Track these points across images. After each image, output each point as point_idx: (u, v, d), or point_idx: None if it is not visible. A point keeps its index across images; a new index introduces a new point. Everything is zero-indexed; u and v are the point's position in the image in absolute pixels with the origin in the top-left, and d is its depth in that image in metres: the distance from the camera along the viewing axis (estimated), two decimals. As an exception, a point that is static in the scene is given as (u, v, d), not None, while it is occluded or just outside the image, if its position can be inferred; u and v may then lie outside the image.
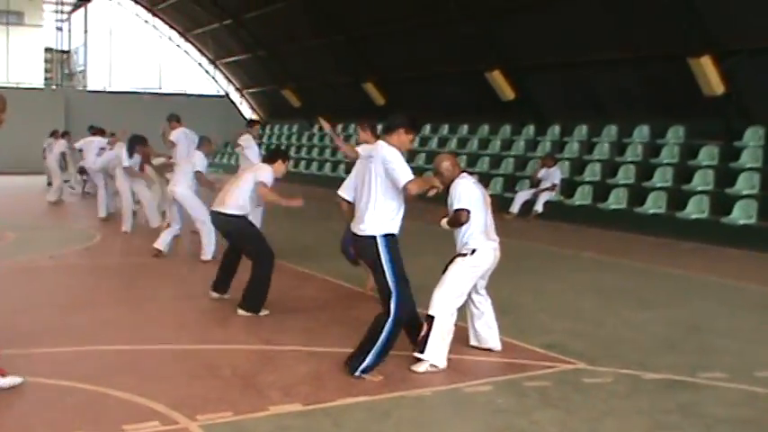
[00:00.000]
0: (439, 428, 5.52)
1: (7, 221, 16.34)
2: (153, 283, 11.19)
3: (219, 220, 9.26)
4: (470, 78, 23.64)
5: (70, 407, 5.81)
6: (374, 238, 6.44)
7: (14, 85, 35.31)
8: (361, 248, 6.65)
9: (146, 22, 39.34)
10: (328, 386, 6.29)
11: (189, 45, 39.90)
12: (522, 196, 19.51)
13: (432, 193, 7.13)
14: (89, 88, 39.12)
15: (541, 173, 19.45)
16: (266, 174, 9.12)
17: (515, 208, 19.30)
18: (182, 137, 14.46)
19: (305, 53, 31.04)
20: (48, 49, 39.98)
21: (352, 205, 7.86)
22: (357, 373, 6.39)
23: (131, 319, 8.70)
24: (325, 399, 5.98)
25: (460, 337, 7.45)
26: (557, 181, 19.19)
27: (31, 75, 38.02)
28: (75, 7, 39.32)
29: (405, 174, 6.50)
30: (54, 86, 38.77)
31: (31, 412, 5.81)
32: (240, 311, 8.72)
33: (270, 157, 9.57)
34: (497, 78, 22.41)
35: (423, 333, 6.70)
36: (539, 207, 19.06)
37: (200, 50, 39.78)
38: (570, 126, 21.68)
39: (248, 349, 7.46)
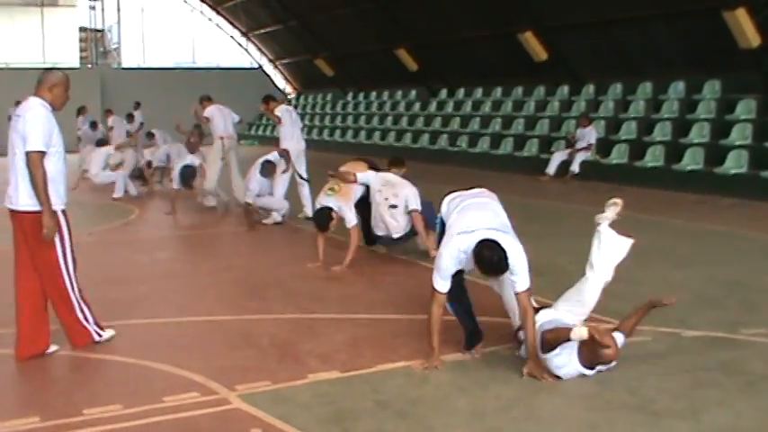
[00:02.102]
0: (478, 391, 5.49)
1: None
2: (191, 257, 11.31)
3: None
4: (503, 40, 23.42)
5: (111, 380, 5.90)
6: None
7: (51, 65, 35.58)
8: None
9: (177, -3, 39.44)
10: (366, 353, 6.30)
11: (221, 18, 39.84)
12: (557, 157, 19.37)
13: None
14: (124, 66, 39.32)
15: (577, 133, 19.31)
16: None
17: (551, 169, 19.18)
18: (215, 111, 14.56)
19: (336, 22, 30.91)
20: (82, 29, 40.21)
21: None
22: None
23: (170, 292, 8.79)
24: (364, 365, 5.99)
25: (491, 298, 7.45)
26: (592, 140, 19.01)
27: (67, 54, 38.26)
28: (108, -14, 39.51)
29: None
30: (89, 65, 38.99)
31: (73, 385, 5.92)
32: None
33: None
34: (530, 39, 22.18)
35: None
36: (575, 167, 18.91)
37: (232, 23, 39.74)
38: (604, 85, 21.43)
39: (285, 318, 7.49)
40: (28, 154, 6.04)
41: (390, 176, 9.80)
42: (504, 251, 5.69)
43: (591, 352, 5.61)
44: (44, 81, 6.33)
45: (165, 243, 12.46)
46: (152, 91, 31.92)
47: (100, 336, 6.57)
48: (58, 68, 6.76)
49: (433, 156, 24.44)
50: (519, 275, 5.82)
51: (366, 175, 9.69)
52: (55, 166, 6.18)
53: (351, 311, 7.60)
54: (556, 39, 22.08)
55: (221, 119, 14.52)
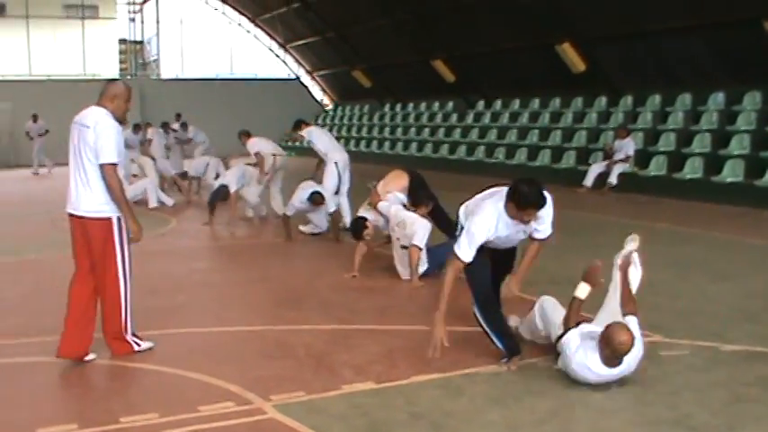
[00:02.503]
0: (513, 404, 5.47)
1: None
2: (228, 267, 11.38)
3: None
4: (540, 51, 23.35)
5: (147, 388, 5.95)
6: None
7: (91, 77, 36.02)
8: None
9: (215, 9, 39.71)
10: (401, 364, 6.30)
11: (258, 30, 40.14)
12: (595, 169, 19.25)
13: None
14: (162, 77, 39.69)
15: (615, 144, 19.20)
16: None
17: (589, 181, 19.07)
18: (314, 132, 14.28)
19: (373, 33, 30.99)
20: (122, 41, 40.68)
21: None
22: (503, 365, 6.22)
23: (206, 301, 8.85)
24: (398, 377, 5.99)
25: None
26: (630, 152, 18.87)
27: (107, 66, 38.68)
28: (147, -2, 39.97)
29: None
30: (129, 76, 39.37)
31: (110, 393, 5.98)
32: None
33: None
34: (567, 50, 22.10)
35: None
36: (612, 179, 18.77)
37: (269, 35, 40.00)
38: (643, 96, 21.28)
39: (321, 329, 7.51)
40: (103, 166, 6.26)
41: (407, 215, 9.66)
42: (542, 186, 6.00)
43: (609, 347, 5.58)
44: (107, 92, 6.56)
45: (201, 253, 12.57)
46: (190, 102, 32.15)
47: (139, 345, 6.66)
48: (118, 80, 6.92)
49: (470, 167, 24.40)
50: (545, 224, 6.27)
51: (386, 206, 9.82)
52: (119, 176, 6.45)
53: (387, 323, 7.60)
54: (594, 50, 21.99)
55: (329, 140, 14.15)
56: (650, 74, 20.91)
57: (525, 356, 6.34)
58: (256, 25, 39.93)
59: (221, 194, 14.13)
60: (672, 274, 9.74)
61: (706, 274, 9.74)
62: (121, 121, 6.61)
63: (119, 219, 6.43)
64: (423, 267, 9.41)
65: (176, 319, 7.91)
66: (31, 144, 29.22)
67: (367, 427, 5.09)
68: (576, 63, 22.25)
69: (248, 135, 15.30)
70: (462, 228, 6.35)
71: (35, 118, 29.29)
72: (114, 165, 6.29)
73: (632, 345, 5.59)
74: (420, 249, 9.30)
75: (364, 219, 9.77)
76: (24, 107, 33.13)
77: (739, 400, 5.51)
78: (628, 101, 21.75)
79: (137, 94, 35.16)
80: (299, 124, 14.28)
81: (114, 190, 6.29)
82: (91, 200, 6.34)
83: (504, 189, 6.13)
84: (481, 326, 6.32)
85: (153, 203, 16.84)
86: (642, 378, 5.89)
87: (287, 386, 5.78)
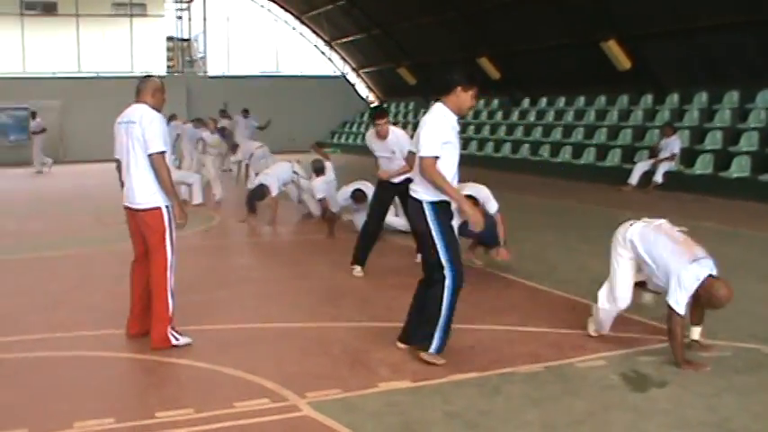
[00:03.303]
0: (549, 404, 5.43)
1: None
2: (269, 264, 11.41)
3: None
4: (585, 49, 23.17)
5: (184, 384, 6.00)
6: (421, 203, 6.22)
7: (139, 74, 36.34)
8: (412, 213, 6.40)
9: (261, 6, 39.88)
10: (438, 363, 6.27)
11: (304, 27, 40.29)
12: (640, 167, 19.06)
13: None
14: (209, 74, 39.98)
15: (660, 142, 19.00)
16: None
17: (634, 179, 18.88)
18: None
19: (418, 30, 30.97)
20: (169, 38, 41.02)
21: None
22: (430, 357, 6.18)
23: (246, 298, 8.89)
24: (435, 375, 5.97)
25: (571, 310, 7.36)
26: (676, 150, 18.65)
27: (154, 63, 39.01)
28: (195, -4, 40.26)
29: (425, 147, 6.14)
30: (176, 74, 39.72)
31: (147, 388, 6.03)
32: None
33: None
34: (613, 48, 21.93)
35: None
36: (658, 178, 18.57)
37: (315, 32, 40.13)
38: (689, 94, 21.03)
39: (358, 326, 7.51)
40: (151, 156, 6.61)
41: None
42: None
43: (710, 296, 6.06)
44: (146, 88, 6.89)
45: (244, 250, 12.65)
46: (237, 99, 32.26)
47: (177, 340, 6.74)
48: (152, 75, 7.16)
49: (515, 165, 24.31)
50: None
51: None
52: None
53: (424, 321, 7.58)
54: (640, 47, 21.77)
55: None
56: (697, 71, 20.66)
57: (564, 356, 6.30)
58: (302, 23, 40.07)
59: (259, 194, 14.15)
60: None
61: (752, 274, 9.56)
62: (159, 112, 6.89)
63: (167, 208, 6.73)
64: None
65: (216, 315, 7.97)
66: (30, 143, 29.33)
67: (401, 426, 5.08)
68: (622, 60, 22.06)
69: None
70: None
71: (34, 115, 29.35)
72: (163, 153, 6.62)
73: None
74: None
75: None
76: (73, 105, 33.62)
77: (781, 403, 5.42)
78: (674, 98, 21.51)
79: (184, 91, 35.65)
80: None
81: (164, 179, 6.64)
82: (143, 192, 6.70)
83: None
84: (438, 309, 6.19)
85: (198, 200, 16.93)
86: (682, 379, 5.82)
87: (323, 383, 5.79)
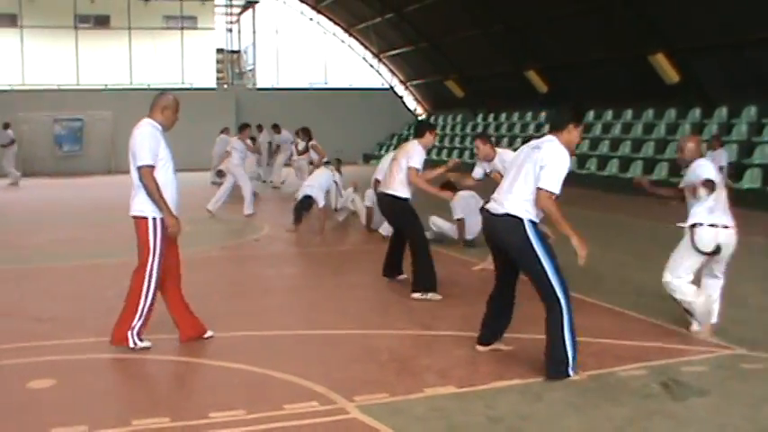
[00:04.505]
0: (590, 411, 5.53)
1: (184, 215, 17.09)
2: (317, 273, 11.59)
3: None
4: (633, 62, 23.19)
5: (235, 387, 6.17)
6: (522, 221, 6.29)
7: (189, 86, 36.91)
8: (503, 230, 6.43)
9: (310, 19, 40.29)
10: (482, 370, 6.43)
11: (353, 40, 40.63)
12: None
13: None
14: (258, 86, 40.41)
15: (707, 155, 18.86)
16: (417, 156, 9.36)
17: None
18: None
19: (466, 43, 31.11)
20: (219, 50, 41.53)
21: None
22: (566, 376, 6.16)
23: (295, 305, 9.13)
24: (479, 382, 6.12)
25: (615, 321, 7.44)
26: (723, 163, 18.45)
27: (204, 76, 39.53)
28: (244, 9, 40.72)
29: (551, 182, 6.34)
30: (225, 86, 40.18)
31: (201, 390, 6.24)
32: (414, 295, 9.08)
33: (417, 131, 9.87)
34: (661, 61, 21.92)
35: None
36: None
37: (363, 45, 40.46)
38: (738, 107, 20.96)
39: (406, 334, 7.67)
40: (139, 169, 6.78)
41: None
42: None
43: None
44: (157, 104, 7.13)
45: (292, 259, 12.86)
46: (285, 111, 32.61)
47: (135, 344, 6.92)
48: (168, 90, 7.40)
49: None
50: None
51: None
52: (164, 177, 6.90)
53: (469, 329, 7.67)
54: (688, 61, 21.73)
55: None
56: (746, 85, 20.57)
57: (605, 366, 6.41)
58: (351, 35, 40.41)
59: (306, 205, 14.42)
60: (762, 288, 9.65)
61: (800, 289, 9.59)
62: (168, 129, 7.11)
63: (154, 219, 6.88)
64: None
65: (265, 321, 8.18)
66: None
67: (445, 429, 5.22)
68: (670, 74, 22.03)
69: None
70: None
71: (5, 126, 28.63)
72: (149, 166, 6.78)
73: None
74: None
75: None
76: (124, 116, 34.09)
77: (821, 413, 5.48)
78: (722, 112, 21.44)
79: (233, 103, 36.05)
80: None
81: (151, 191, 6.77)
82: (135, 201, 6.91)
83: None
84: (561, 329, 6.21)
85: (249, 210, 17.20)
86: (723, 390, 5.91)
87: (370, 388, 5.95)
